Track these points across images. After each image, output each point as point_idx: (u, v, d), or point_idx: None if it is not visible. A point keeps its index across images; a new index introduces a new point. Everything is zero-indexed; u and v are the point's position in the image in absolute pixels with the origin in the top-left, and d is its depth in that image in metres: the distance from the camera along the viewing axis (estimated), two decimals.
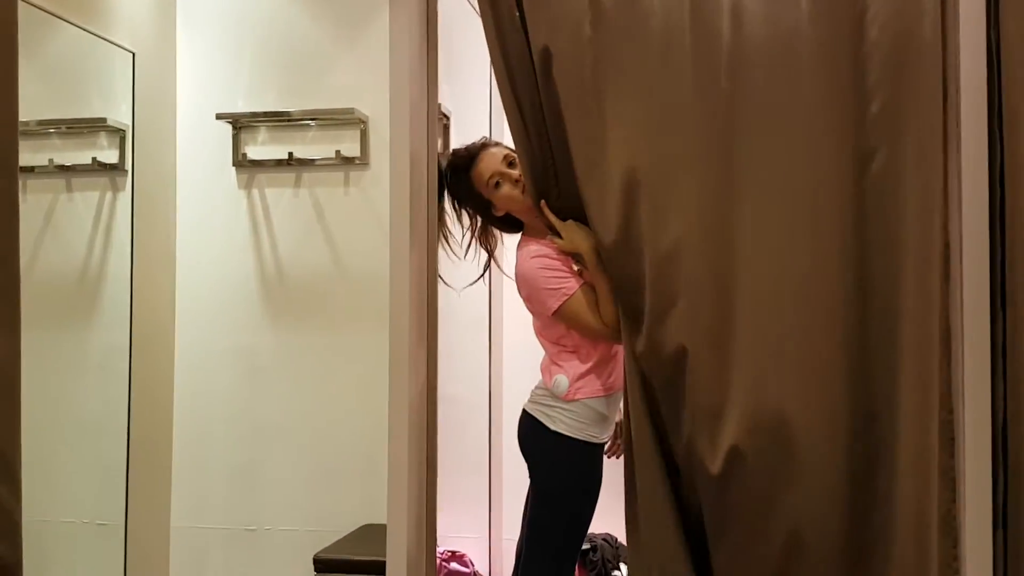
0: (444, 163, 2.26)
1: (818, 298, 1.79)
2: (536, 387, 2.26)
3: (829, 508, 1.78)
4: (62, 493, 2.95)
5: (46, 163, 2.95)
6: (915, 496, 1.70)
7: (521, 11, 1.97)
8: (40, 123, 2.93)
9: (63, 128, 3.04)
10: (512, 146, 2.11)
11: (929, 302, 1.71)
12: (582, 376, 2.19)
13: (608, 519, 2.71)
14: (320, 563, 2.94)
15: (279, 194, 3.37)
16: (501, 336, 3.55)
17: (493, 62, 2.01)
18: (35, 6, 2.66)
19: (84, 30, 2.93)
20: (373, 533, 3.03)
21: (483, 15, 1.99)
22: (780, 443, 1.78)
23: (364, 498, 3.16)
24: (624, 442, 2.02)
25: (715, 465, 1.79)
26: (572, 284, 2.11)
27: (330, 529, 3.10)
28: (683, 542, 1.85)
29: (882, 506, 1.76)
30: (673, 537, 1.85)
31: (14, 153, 2.46)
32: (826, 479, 1.78)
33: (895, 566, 1.73)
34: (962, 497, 1.69)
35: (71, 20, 2.86)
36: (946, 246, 1.71)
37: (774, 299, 1.81)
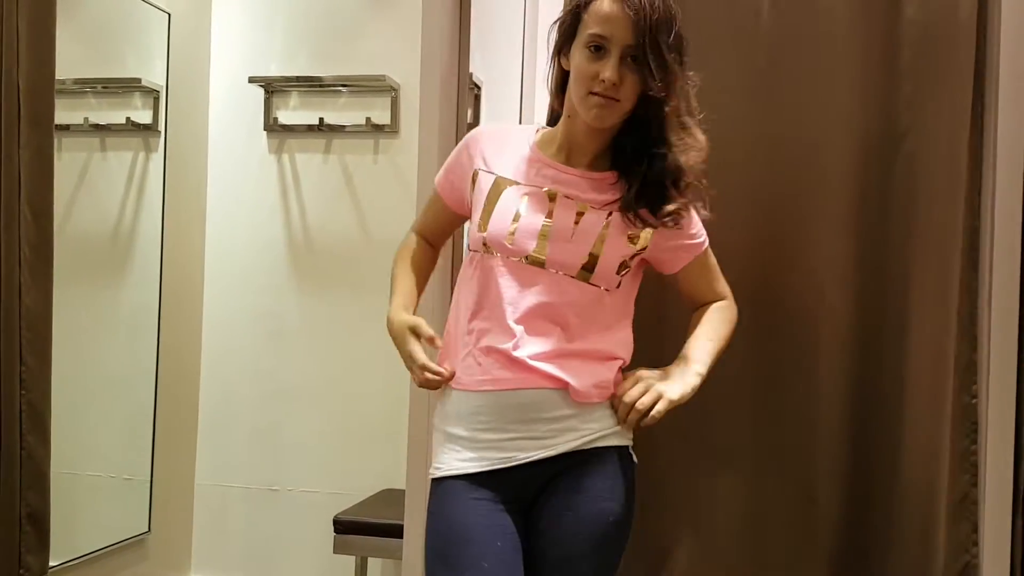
0: None
1: (832, 269, 1.79)
2: None
3: (836, 487, 1.79)
4: (90, 447, 3.01)
5: (81, 122, 2.98)
6: (925, 477, 1.70)
7: None
8: (76, 82, 2.95)
9: (99, 88, 3.07)
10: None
11: (948, 281, 1.70)
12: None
13: None
14: (340, 524, 2.98)
15: (309, 160, 3.38)
16: None
17: None
18: None
19: None
20: (393, 497, 3.06)
21: None
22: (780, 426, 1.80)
23: (385, 463, 3.19)
24: None
25: None
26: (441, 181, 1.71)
27: (350, 492, 3.14)
28: None
29: (892, 489, 1.76)
30: None
31: (51, 111, 2.50)
32: (835, 458, 1.79)
33: (902, 547, 1.73)
34: (983, 483, 1.70)
35: None
36: (973, 230, 1.70)
37: (792, 269, 1.81)
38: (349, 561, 3.12)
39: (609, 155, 1.56)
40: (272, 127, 3.38)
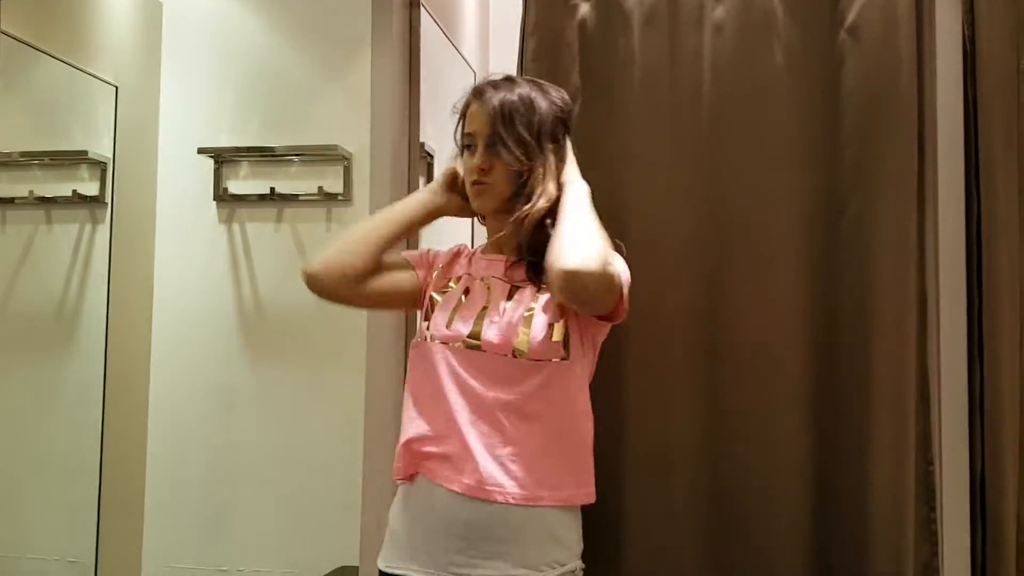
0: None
1: (784, 339, 1.79)
2: None
3: (797, 554, 1.77)
4: (32, 529, 2.90)
5: (26, 195, 2.93)
6: (891, 551, 1.69)
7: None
8: (22, 155, 2.91)
9: (45, 160, 3.03)
10: None
11: (904, 349, 1.71)
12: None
13: None
14: None
15: (260, 229, 3.35)
16: None
17: None
18: (17, 39, 2.65)
19: (66, 63, 2.93)
20: (347, 575, 2.98)
21: None
22: (744, 491, 1.79)
23: (339, 540, 3.11)
24: None
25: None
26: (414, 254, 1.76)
27: (304, 572, 3.05)
28: None
29: (854, 558, 1.74)
30: None
31: None
32: (793, 526, 1.77)
33: None
34: (942, 550, 1.69)
35: (54, 54, 2.86)
36: (922, 295, 1.72)
37: (744, 343, 1.81)
38: None
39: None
40: (222, 197, 3.35)
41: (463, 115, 1.63)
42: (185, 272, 3.39)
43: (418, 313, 1.66)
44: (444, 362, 1.53)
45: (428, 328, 1.57)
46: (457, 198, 1.68)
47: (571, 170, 1.59)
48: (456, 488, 1.48)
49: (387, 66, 2.00)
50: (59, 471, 3.01)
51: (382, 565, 1.58)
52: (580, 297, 1.46)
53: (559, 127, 1.60)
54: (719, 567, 1.82)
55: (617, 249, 1.55)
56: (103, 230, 3.13)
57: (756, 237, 1.83)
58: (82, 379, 3.08)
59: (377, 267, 1.62)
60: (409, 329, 2.05)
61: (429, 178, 3.27)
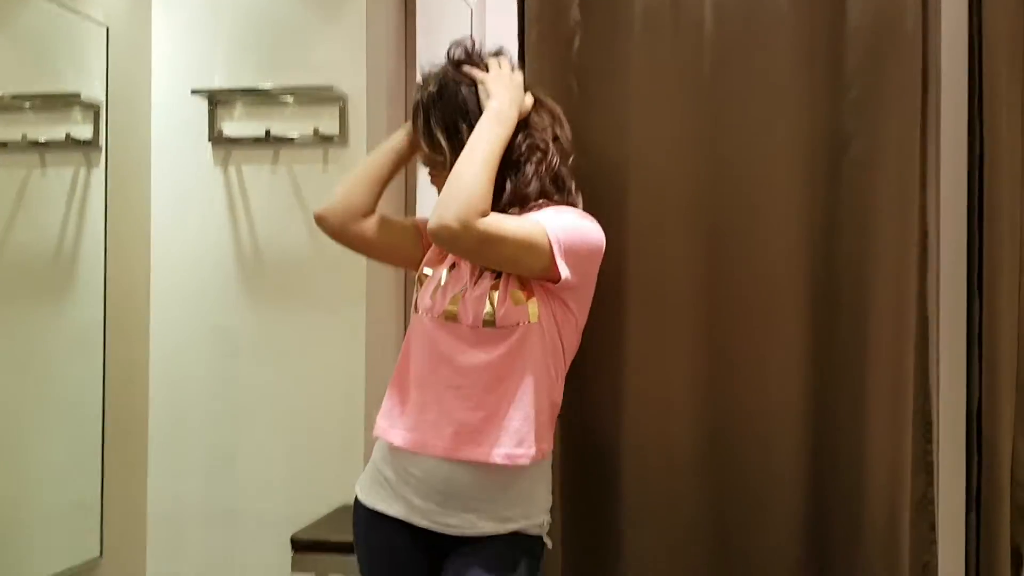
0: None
1: (787, 280, 1.80)
2: None
3: (793, 493, 1.79)
4: (37, 472, 2.92)
5: (19, 138, 2.90)
6: (887, 482, 1.71)
7: None
8: (13, 97, 2.88)
9: (37, 103, 2.99)
10: None
11: (905, 289, 1.72)
12: None
13: None
14: (298, 543, 2.93)
15: (256, 172, 3.33)
16: None
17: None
18: None
19: (56, 3, 2.88)
20: (351, 514, 3.03)
21: None
22: (741, 434, 1.80)
23: (342, 479, 3.15)
24: None
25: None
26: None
27: (308, 510, 3.09)
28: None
29: (852, 492, 1.77)
30: None
31: None
32: (790, 467, 1.79)
33: (866, 550, 1.74)
34: (937, 481, 1.72)
35: None
36: (923, 234, 1.72)
37: (743, 281, 1.81)
38: None
39: None
40: (217, 139, 3.31)
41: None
42: (182, 216, 3.38)
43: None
44: (426, 332, 1.61)
45: (416, 300, 1.65)
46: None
47: (491, 93, 1.59)
48: (435, 452, 1.57)
49: (382, 4, 1.97)
50: (62, 415, 3.03)
51: (363, 499, 1.69)
52: (460, 253, 1.55)
53: (464, 101, 1.61)
54: (716, 505, 1.85)
55: (572, 201, 1.61)
56: (98, 174, 3.10)
57: (758, 179, 1.82)
58: (82, 323, 3.08)
59: (376, 204, 1.71)
60: (408, 275, 2.04)
61: None
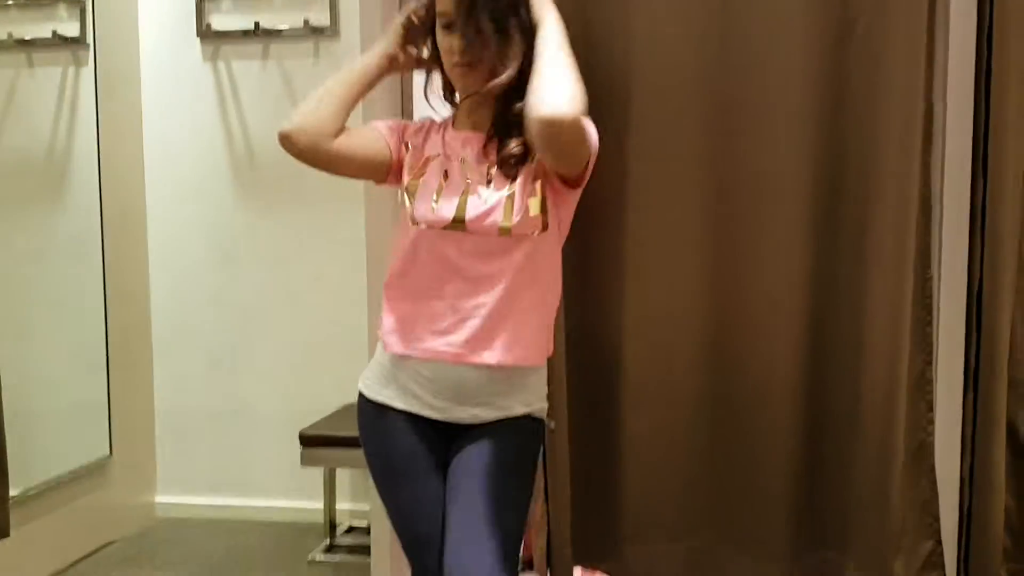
0: None
1: (791, 154, 1.78)
2: None
3: (792, 363, 1.81)
4: (43, 375, 2.95)
5: (5, 37, 2.84)
6: (886, 361, 1.73)
7: None
8: None
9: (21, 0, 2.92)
10: None
11: (909, 164, 1.70)
12: None
13: None
14: (306, 439, 2.99)
15: (246, 67, 3.27)
16: None
17: None
18: None
19: None
20: (355, 412, 3.07)
21: None
22: (742, 317, 1.81)
23: (346, 377, 3.18)
24: None
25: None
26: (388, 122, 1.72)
27: (314, 408, 3.13)
28: None
29: (850, 365, 1.78)
30: None
31: None
32: (790, 348, 1.80)
33: (864, 428, 1.77)
34: (936, 361, 1.73)
35: None
36: (928, 109, 1.69)
37: (748, 154, 1.79)
38: (316, 474, 3.15)
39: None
40: (206, 33, 3.25)
41: None
42: (173, 113, 3.33)
43: (399, 194, 1.66)
44: (431, 244, 1.57)
45: (412, 212, 1.59)
46: (412, 53, 1.67)
47: (543, 4, 1.54)
48: (447, 359, 1.57)
49: None
50: (65, 318, 3.04)
51: (370, 395, 1.67)
52: (555, 145, 1.48)
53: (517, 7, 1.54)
54: (717, 387, 1.86)
55: None
56: (87, 72, 3.04)
57: (765, 55, 1.77)
58: (79, 225, 3.07)
59: (344, 124, 1.62)
60: None
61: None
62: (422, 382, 1.60)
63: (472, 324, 1.56)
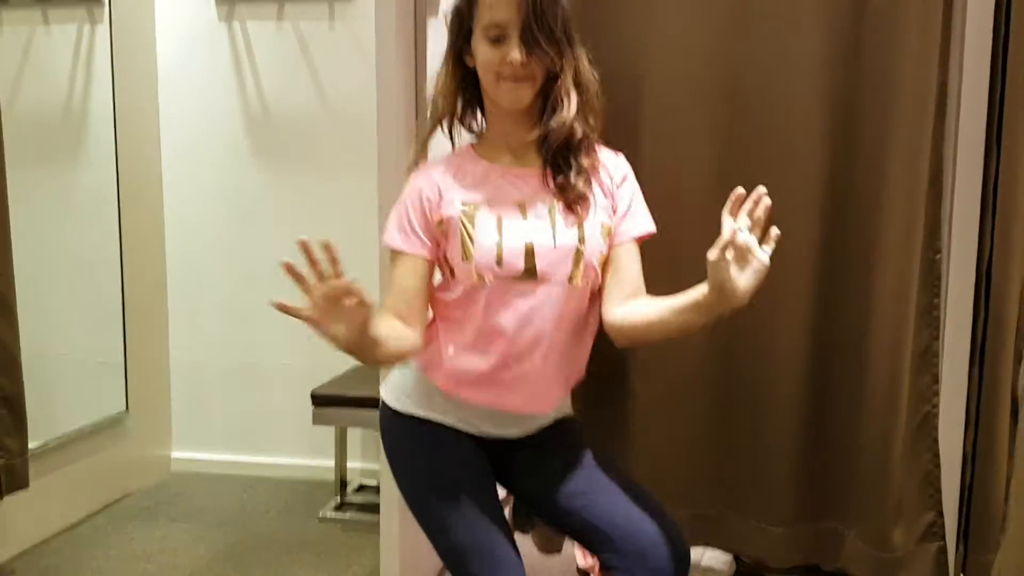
0: None
1: (804, 131, 1.77)
2: None
3: (798, 336, 1.81)
4: (61, 331, 3.00)
5: None
6: (891, 333, 1.73)
7: None
8: None
9: None
10: None
11: (920, 140, 1.69)
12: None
13: None
14: (318, 398, 3.03)
15: (261, 28, 3.26)
16: None
17: None
18: None
19: None
20: (366, 372, 3.11)
21: None
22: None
23: None
24: None
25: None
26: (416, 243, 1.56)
27: (327, 364, 3.17)
28: None
29: (855, 339, 1.79)
30: None
31: None
32: (796, 318, 1.81)
33: (868, 398, 1.78)
34: (943, 335, 1.73)
35: None
36: (943, 84, 1.68)
37: (761, 129, 1.79)
38: (329, 432, 3.19)
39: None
40: None
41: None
42: (188, 72, 3.33)
43: (447, 260, 1.55)
44: (499, 294, 1.49)
45: (471, 263, 1.49)
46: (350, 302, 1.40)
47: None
48: (507, 407, 1.58)
49: None
50: (81, 275, 3.08)
51: (411, 411, 1.60)
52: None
53: (572, 24, 1.53)
54: (723, 357, 1.87)
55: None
56: (102, 30, 3.05)
57: (779, 28, 1.76)
58: (95, 182, 3.09)
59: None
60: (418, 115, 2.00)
61: None
62: (467, 416, 1.59)
63: (538, 378, 1.55)
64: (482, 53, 1.49)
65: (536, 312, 1.49)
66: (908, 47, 1.69)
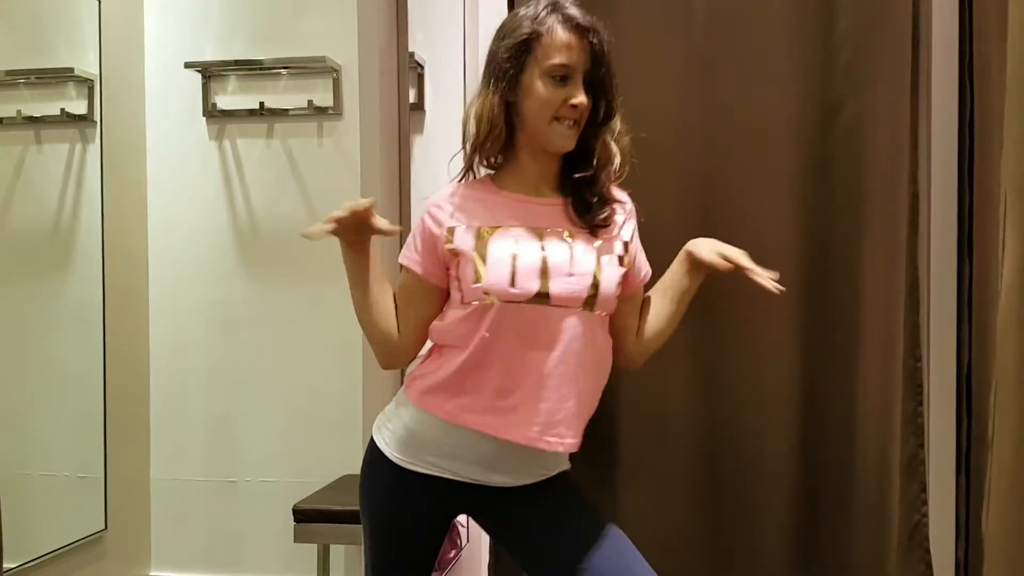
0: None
1: (778, 243, 1.80)
2: None
3: (784, 446, 1.81)
4: (40, 446, 2.95)
5: (14, 114, 2.90)
6: (877, 442, 1.73)
7: None
8: (8, 73, 2.87)
9: (31, 78, 2.99)
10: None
11: (895, 251, 1.73)
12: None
13: None
14: (300, 513, 2.96)
15: (251, 145, 3.33)
16: None
17: None
18: None
19: None
20: (352, 483, 3.05)
21: None
22: (735, 395, 1.82)
23: (342, 449, 3.18)
24: None
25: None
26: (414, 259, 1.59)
27: (310, 480, 3.12)
28: None
29: (842, 448, 1.79)
30: None
31: None
32: (782, 429, 1.81)
33: (857, 510, 1.77)
34: (928, 443, 1.74)
35: None
36: (914, 196, 1.73)
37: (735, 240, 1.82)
38: (311, 549, 3.12)
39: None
40: (211, 113, 3.31)
41: (536, 35, 1.49)
42: (178, 190, 3.38)
43: (457, 277, 1.54)
44: (509, 315, 1.47)
45: (482, 285, 1.47)
46: (362, 233, 1.54)
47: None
48: (512, 439, 1.49)
49: None
50: (64, 389, 3.05)
51: (397, 458, 1.59)
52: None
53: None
54: (708, 461, 1.87)
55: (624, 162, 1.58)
56: (94, 149, 3.11)
57: (750, 143, 1.82)
58: (81, 298, 3.10)
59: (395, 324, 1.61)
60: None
61: (420, 89, 3.24)
62: (455, 452, 1.53)
63: (545, 408, 1.48)
64: (543, 92, 1.49)
65: (548, 337, 1.47)
66: (878, 161, 1.75)
